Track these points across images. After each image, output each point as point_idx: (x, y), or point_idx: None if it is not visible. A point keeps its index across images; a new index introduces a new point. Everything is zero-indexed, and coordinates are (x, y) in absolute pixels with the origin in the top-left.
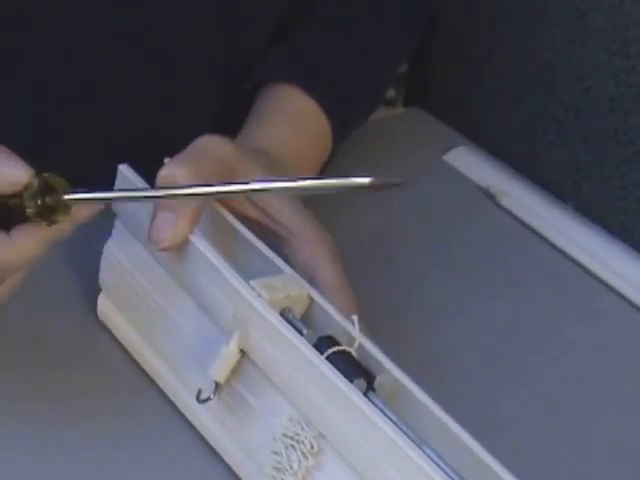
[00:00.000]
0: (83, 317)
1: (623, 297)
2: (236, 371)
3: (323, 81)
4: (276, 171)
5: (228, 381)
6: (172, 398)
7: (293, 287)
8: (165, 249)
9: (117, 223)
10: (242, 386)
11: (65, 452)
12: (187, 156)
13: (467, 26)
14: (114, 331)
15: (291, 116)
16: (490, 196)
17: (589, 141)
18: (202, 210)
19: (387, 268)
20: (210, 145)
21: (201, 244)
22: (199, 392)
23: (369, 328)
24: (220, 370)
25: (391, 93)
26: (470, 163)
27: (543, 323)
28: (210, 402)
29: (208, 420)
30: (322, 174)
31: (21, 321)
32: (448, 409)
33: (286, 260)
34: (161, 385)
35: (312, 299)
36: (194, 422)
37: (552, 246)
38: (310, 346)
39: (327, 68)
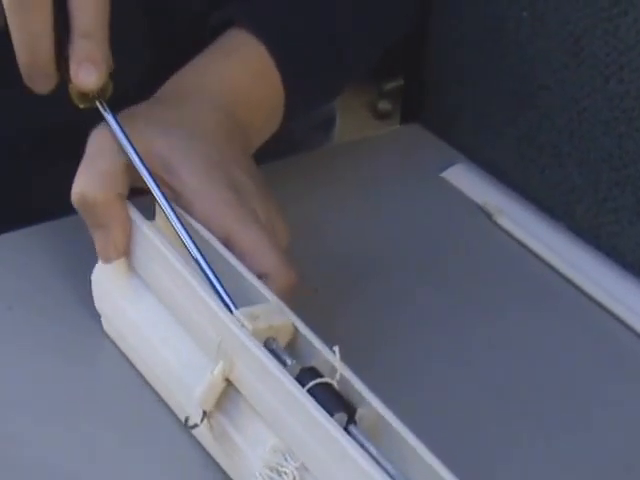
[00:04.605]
0: (92, 328)
1: (615, 316)
2: (223, 399)
3: (271, 24)
4: (181, 119)
5: (216, 408)
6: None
7: (277, 316)
8: (114, 260)
9: None
10: (229, 414)
11: (69, 458)
12: (87, 168)
13: (461, 47)
14: (119, 346)
15: (229, 51)
16: (487, 214)
17: (583, 164)
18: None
19: (383, 284)
20: (104, 140)
21: (188, 273)
22: (187, 418)
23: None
24: (205, 398)
25: (387, 106)
26: (468, 181)
27: (536, 341)
28: (199, 428)
29: (201, 440)
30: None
31: (28, 329)
32: (431, 439)
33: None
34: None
35: (297, 329)
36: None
37: (547, 265)
38: (292, 378)
39: (279, 14)
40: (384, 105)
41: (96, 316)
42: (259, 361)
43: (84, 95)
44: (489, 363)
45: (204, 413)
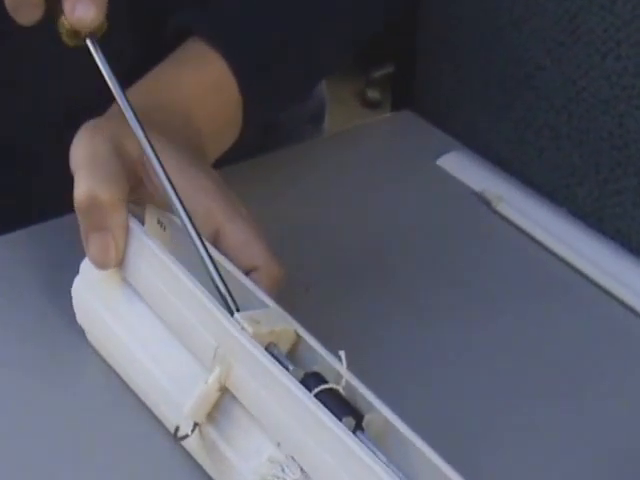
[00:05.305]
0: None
1: (621, 302)
2: (216, 408)
3: (229, 34)
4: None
5: (208, 419)
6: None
7: (278, 322)
8: (112, 266)
9: (86, 258)
10: (220, 426)
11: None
12: (92, 170)
13: (454, 29)
14: (104, 358)
15: (187, 63)
16: (486, 202)
17: (582, 145)
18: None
19: (380, 279)
20: (99, 142)
21: (186, 277)
22: (177, 429)
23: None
24: (197, 409)
25: (376, 94)
26: (465, 168)
27: (542, 332)
28: (189, 439)
29: (192, 452)
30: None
31: (13, 342)
32: (439, 442)
33: None
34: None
35: (298, 335)
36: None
37: (550, 252)
38: (298, 383)
39: (236, 21)
40: (373, 94)
41: (79, 328)
42: (262, 365)
43: (75, 32)
44: (494, 356)
45: (195, 424)
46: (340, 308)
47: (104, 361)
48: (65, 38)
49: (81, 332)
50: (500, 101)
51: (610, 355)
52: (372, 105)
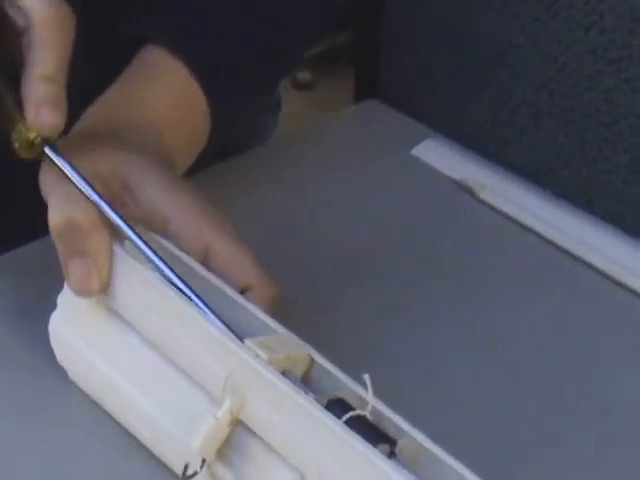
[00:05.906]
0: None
1: (618, 283)
2: (227, 444)
3: (191, 42)
4: (125, 144)
5: (218, 455)
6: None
7: (292, 347)
8: (95, 293)
9: (64, 290)
10: (235, 461)
11: None
12: (66, 195)
13: (420, 7)
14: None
15: (150, 76)
16: (468, 190)
17: (568, 123)
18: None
19: (368, 279)
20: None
21: (189, 306)
22: (186, 467)
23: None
24: (206, 445)
25: (307, 76)
26: (442, 156)
27: (540, 318)
28: (198, 477)
29: None
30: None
31: None
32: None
33: None
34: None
35: (313, 360)
36: None
37: (540, 237)
38: (326, 411)
39: (197, 28)
40: (304, 75)
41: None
42: (284, 394)
43: (30, 143)
44: (495, 349)
45: (203, 461)
46: (330, 317)
47: (90, 400)
48: (21, 149)
49: (62, 371)
50: (473, 83)
51: (607, 336)
52: (303, 87)
